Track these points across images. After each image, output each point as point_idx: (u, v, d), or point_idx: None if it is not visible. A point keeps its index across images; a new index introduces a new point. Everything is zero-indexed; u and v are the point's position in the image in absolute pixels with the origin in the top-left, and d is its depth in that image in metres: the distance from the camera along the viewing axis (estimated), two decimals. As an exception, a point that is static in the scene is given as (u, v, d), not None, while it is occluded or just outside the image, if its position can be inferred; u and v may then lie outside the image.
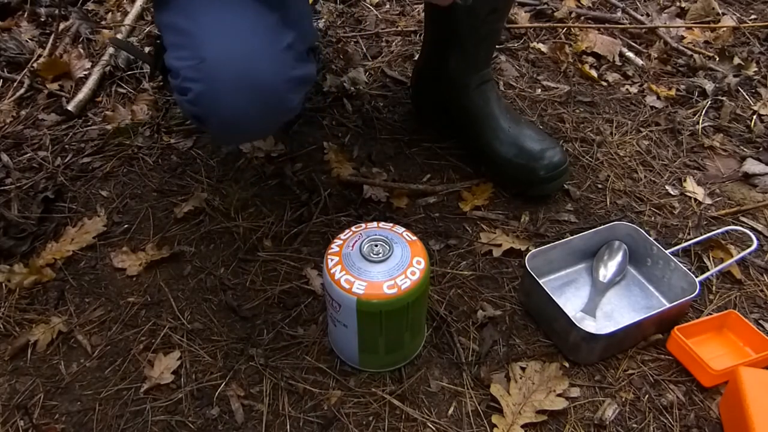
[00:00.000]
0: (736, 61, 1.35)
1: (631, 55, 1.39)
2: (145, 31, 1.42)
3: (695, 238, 0.94)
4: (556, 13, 1.50)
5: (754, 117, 1.21)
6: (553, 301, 0.78)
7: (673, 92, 1.27)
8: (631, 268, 0.90)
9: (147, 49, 1.35)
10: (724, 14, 1.52)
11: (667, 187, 1.06)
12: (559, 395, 0.75)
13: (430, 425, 0.73)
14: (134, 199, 1.03)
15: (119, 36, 1.38)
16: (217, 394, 0.76)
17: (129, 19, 1.43)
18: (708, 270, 0.89)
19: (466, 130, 1.05)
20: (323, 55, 1.33)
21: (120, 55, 1.32)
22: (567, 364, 0.79)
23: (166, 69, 0.75)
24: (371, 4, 1.55)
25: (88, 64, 1.31)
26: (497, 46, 1.39)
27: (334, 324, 0.74)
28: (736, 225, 0.98)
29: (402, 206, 1.00)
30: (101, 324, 0.85)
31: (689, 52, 1.39)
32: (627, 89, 1.29)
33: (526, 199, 1.01)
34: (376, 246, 0.71)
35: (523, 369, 0.77)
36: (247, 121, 0.73)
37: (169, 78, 0.74)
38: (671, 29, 1.48)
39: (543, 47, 1.40)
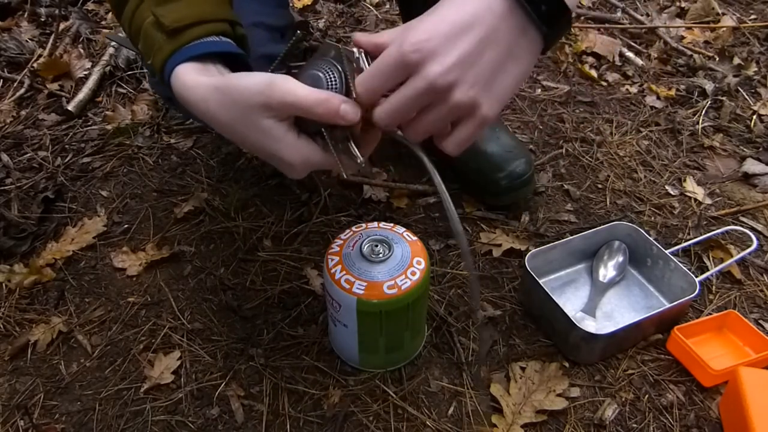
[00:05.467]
0: (736, 61, 1.35)
1: (630, 55, 1.39)
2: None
3: (695, 238, 0.94)
4: (556, 13, 1.50)
5: (754, 117, 1.21)
6: (553, 301, 0.77)
7: (673, 92, 1.27)
8: (631, 268, 0.90)
9: None
10: (724, 14, 1.52)
11: (667, 187, 1.06)
12: (559, 395, 0.75)
13: (430, 425, 0.73)
14: (134, 199, 1.03)
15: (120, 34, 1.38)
16: (217, 394, 0.76)
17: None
18: (708, 270, 0.89)
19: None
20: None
21: (120, 55, 1.32)
22: (567, 364, 0.79)
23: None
24: (371, 4, 1.55)
25: (88, 64, 1.31)
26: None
27: (334, 324, 0.74)
28: (736, 225, 0.98)
29: (402, 206, 1.00)
30: (101, 324, 0.85)
31: (689, 52, 1.39)
32: (627, 89, 1.29)
33: (525, 199, 1.01)
34: (377, 246, 0.71)
35: (523, 369, 0.77)
36: None
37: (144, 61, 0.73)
38: (671, 29, 1.48)
39: (543, 47, 1.40)
